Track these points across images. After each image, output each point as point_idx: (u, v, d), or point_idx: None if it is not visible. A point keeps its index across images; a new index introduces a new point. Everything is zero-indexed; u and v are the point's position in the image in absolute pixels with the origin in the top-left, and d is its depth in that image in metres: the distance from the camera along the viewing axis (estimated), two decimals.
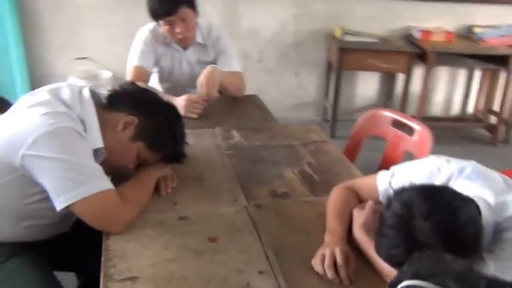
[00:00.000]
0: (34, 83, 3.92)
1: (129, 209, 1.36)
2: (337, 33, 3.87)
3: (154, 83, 2.53)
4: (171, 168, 1.60)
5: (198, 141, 1.90)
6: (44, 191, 1.30)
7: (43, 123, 1.28)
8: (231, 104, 2.38)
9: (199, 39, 2.42)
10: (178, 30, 2.27)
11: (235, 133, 2.00)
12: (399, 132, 2.06)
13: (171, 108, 1.57)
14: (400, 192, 1.12)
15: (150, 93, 1.59)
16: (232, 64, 2.41)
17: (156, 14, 2.26)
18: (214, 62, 2.41)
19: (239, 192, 1.56)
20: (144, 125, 1.46)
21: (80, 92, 1.46)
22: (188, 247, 1.29)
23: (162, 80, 2.52)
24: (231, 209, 1.47)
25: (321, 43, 4.06)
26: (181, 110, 2.12)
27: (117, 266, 1.21)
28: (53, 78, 3.75)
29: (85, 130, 1.37)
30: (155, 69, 2.48)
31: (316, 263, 1.21)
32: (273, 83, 4.18)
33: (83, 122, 1.38)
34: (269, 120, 2.24)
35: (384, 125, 2.11)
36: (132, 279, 1.17)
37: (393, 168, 1.38)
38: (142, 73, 2.35)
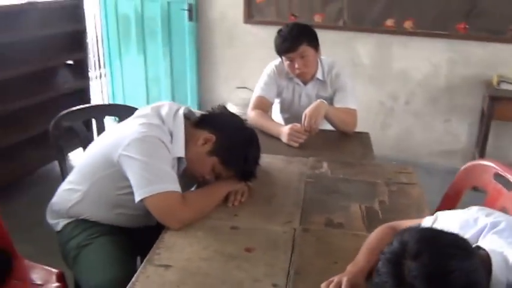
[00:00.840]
0: (201, 105, 4.52)
1: (188, 211, 1.59)
2: (494, 80, 3.61)
3: (275, 112, 2.76)
4: (246, 185, 1.79)
5: (286, 166, 2.05)
6: (131, 185, 1.61)
7: (137, 131, 1.62)
8: (337, 138, 2.47)
9: (319, 75, 2.58)
10: (297, 66, 2.47)
11: (324, 164, 2.09)
12: (499, 186, 1.90)
13: (249, 132, 1.77)
14: (403, 232, 1.12)
15: (234, 118, 1.82)
16: (347, 101, 2.50)
17: (279, 50, 2.50)
18: (331, 98, 2.54)
19: (296, 216, 1.67)
20: (220, 143, 1.70)
21: (177, 110, 1.76)
22: (224, 252, 1.45)
23: (282, 110, 2.74)
24: (280, 228, 1.59)
25: (475, 89, 3.83)
26: (285, 138, 2.31)
27: (160, 254, 1.43)
28: (215, 103, 4.28)
29: (172, 141, 1.67)
30: (277, 100, 2.70)
31: (322, 286, 1.27)
32: (419, 126, 4.07)
33: (171, 134, 1.68)
34: (367, 157, 2.26)
35: (486, 176, 1.97)
36: (166, 266, 1.38)
37: (437, 214, 1.35)
38: (264, 102, 2.60)
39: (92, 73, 5.35)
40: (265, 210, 1.71)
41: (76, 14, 3.79)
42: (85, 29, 3.92)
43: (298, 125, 2.35)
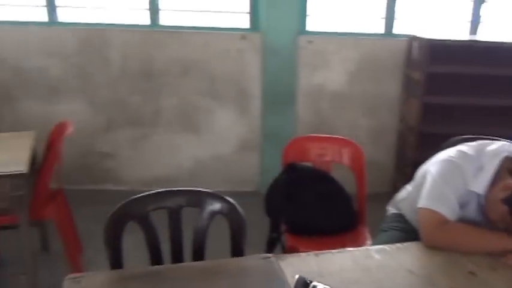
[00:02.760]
0: None
1: (442, 235, 1.63)
2: None
3: None
4: None
5: None
6: None
7: (449, 154, 1.77)
8: None
9: None
10: None
11: None
12: None
13: None
14: None
15: None
16: None
17: None
18: None
19: None
20: None
21: (504, 151, 1.72)
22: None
23: None
24: None
25: None
26: None
27: None
28: None
29: (477, 175, 1.70)
30: None
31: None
32: None
33: (481, 169, 1.70)
34: None
35: None
36: None
37: None
38: None
39: None
40: None
41: None
42: None
43: None
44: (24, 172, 2.31)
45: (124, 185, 3.80)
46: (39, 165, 2.70)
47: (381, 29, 3.80)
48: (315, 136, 2.77)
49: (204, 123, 3.81)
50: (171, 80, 3.71)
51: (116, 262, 1.68)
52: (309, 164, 2.57)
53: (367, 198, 2.57)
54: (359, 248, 1.74)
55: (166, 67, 3.68)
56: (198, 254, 1.79)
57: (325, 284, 1.17)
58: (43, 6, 3.60)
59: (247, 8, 3.65)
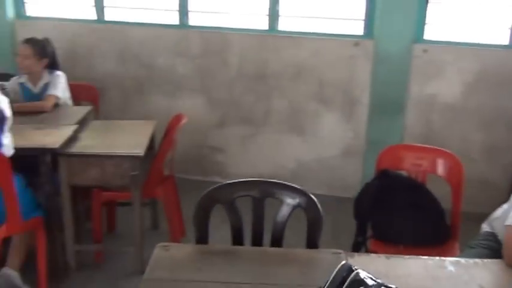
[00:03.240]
0: None
1: None
2: None
3: None
4: None
5: None
6: None
7: None
8: None
9: None
10: None
11: None
12: None
13: None
14: None
15: None
16: None
17: None
18: None
19: None
20: None
21: None
22: None
23: None
24: None
25: None
26: None
27: None
28: None
29: None
30: None
31: None
32: None
33: None
34: None
35: None
36: None
37: None
38: None
39: None
40: None
41: None
42: None
43: None
44: (141, 155, 2.64)
45: (230, 179, 4.00)
46: (156, 150, 3.04)
47: (505, 40, 3.60)
48: (411, 145, 2.74)
49: (310, 126, 3.92)
50: (282, 82, 3.88)
51: (202, 239, 1.88)
52: (403, 172, 2.57)
53: (470, 217, 2.49)
54: (433, 258, 1.74)
55: (279, 70, 3.87)
56: (277, 242, 1.92)
57: (376, 280, 1.22)
58: (176, 10, 4.00)
59: (362, 15, 3.69)
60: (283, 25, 3.87)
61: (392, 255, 1.77)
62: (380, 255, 1.80)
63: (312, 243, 1.87)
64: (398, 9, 3.53)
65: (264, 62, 3.88)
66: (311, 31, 3.83)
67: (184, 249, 1.77)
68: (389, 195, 2.44)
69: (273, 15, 3.85)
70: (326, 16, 3.81)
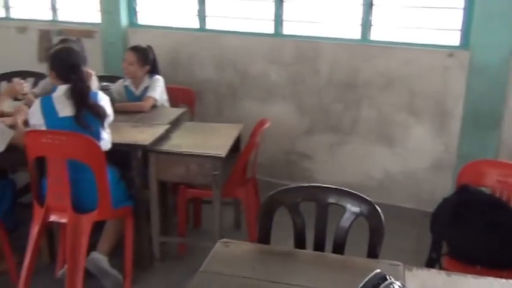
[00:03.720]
0: None
1: None
2: None
3: None
4: None
5: None
6: None
7: None
8: None
9: None
10: None
11: None
12: None
13: None
14: None
15: None
16: None
17: None
18: None
19: None
20: None
21: None
22: None
23: None
24: None
25: None
26: None
27: None
28: None
29: None
30: None
31: None
32: None
33: None
34: None
35: None
36: None
37: None
38: None
39: None
40: None
41: None
42: None
43: None
44: (222, 156, 2.79)
45: None
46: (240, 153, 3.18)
47: None
48: (496, 161, 2.59)
49: (399, 137, 3.83)
50: (372, 92, 3.85)
51: (264, 238, 1.96)
52: (485, 189, 2.44)
53: None
54: (500, 280, 1.65)
55: (369, 79, 3.83)
56: (338, 249, 1.94)
57: None
58: (271, 20, 4.14)
59: (458, 25, 3.54)
60: (375, 35, 3.84)
61: (454, 272, 1.72)
62: (441, 271, 1.75)
63: (372, 252, 1.87)
64: (497, 18, 3.34)
65: (355, 71, 3.87)
66: (404, 41, 3.75)
67: (244, 247, 1.86)
68: (468, 211, 2.34)
69: (366, 24, 3.83)
70: (420, 26, 3.71)
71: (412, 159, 3.83)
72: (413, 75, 3.68)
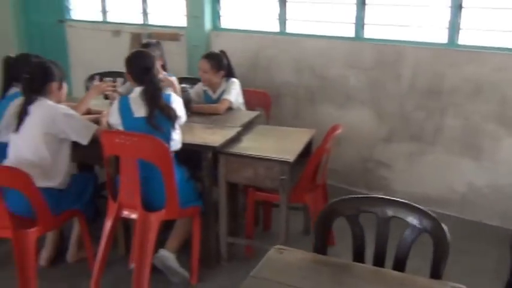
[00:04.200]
0: None
1: None
2: None
3: None
4: None
5: None
6: None
7: None
8: None
9: None
10: None
11: None
12: None
13: None
14: None
15: None
16: None
17: None
18: None
19: None
20: None
21: None
22: None
23: None
24: None
25: None
26: None
27: None
28: None
29: None
30: None
31: None
32: None
33: None
34: None
35: None
36: None
37: None
38: None
39: None
40: None
41: None
42: None
43: None
44: (290, 160, 2.76)
45: (394, 196, 3.89)
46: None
47: None
48: None
49: (487, 149, 3.56)
50: (458, 99, 3.61)
51: (320, 248, 1.90)
52: None
53: None
54: None
55: (455, 86, 3.60)
56: (399, 265, 1.84)
57: None
58: (351, 23, 4.04)
59: None
60: (463, 39, 3.60)
61: None
62: None
63: (435, 272, 1.75)
64: None
65: (439, 77, 3.66)
66: (494, 45, 3.48)
67: (297, 255, 1.81)
68: None
69: (453, 28, 3.60)
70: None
71: (501, 173, 3.53)
72: (505, 82, 3.40)
